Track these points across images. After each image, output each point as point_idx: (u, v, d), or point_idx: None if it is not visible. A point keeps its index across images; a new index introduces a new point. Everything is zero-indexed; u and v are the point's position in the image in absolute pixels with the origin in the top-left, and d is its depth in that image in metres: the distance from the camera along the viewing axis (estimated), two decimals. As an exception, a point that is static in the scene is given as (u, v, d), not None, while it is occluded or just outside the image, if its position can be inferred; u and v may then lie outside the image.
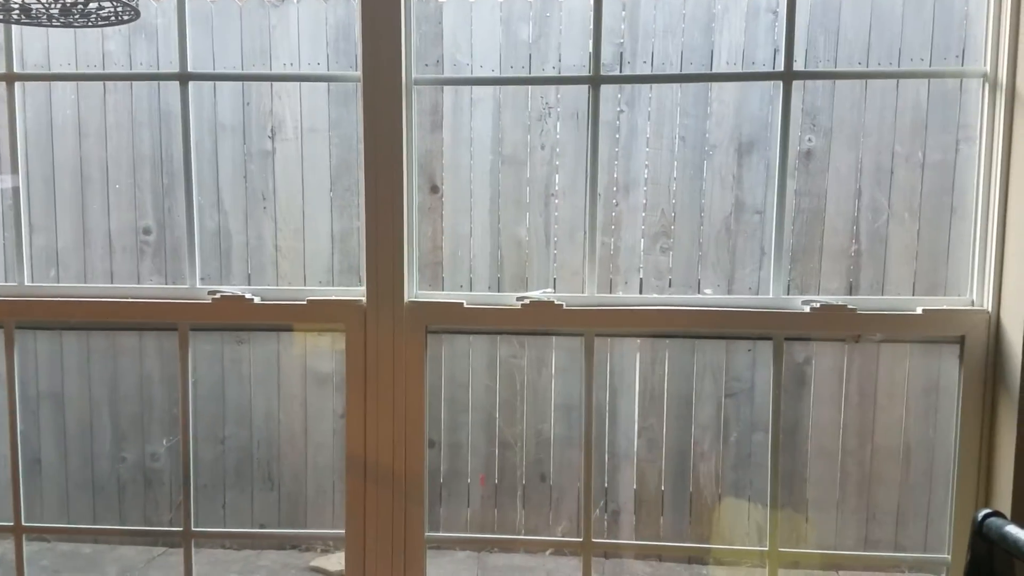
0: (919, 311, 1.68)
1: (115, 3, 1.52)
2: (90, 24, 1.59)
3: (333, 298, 1.78)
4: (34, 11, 1.53)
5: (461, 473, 3.32)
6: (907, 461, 3.14)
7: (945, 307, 1.68)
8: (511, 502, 3.32)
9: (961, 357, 1.67)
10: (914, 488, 3.14)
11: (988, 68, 1.67)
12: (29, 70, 3.11)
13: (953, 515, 1.70)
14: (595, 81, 1.75)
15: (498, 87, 3.14)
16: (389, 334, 1.75)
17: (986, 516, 1.10)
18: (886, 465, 3.15)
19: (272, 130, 3.21)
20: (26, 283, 1.89)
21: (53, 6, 1.52)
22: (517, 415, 3.26)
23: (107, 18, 1.57)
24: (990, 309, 1.66)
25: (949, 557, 1.73)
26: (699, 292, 3.13)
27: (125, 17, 1.57)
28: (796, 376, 3.14)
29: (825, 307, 1.69)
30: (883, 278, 3.06)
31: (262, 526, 3.38)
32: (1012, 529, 1.05)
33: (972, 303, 1.70)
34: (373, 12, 1.68)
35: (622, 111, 3.10)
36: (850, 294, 3.05)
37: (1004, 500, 1.60)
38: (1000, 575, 1.09)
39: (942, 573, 1.79)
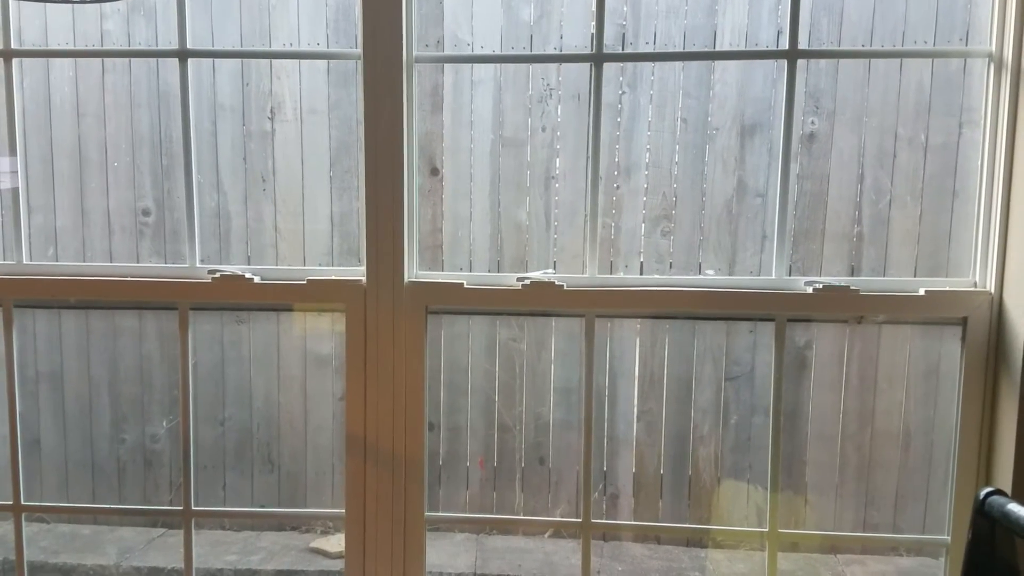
0: (922, 292, 1.67)
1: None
2: (88, -1, 1.57)
3: (333, 278, 1.77)
4: (31, -15, 1.51)
5: (460, 456, 3.33)
6: (907, 443, 3.14)
7: (948, 288, 1.68)
8: (510, 485, 3.33)
9: (963, 338, 1.67)
10: (914, 470, 3.15)
11: (993, 48, 1.65)
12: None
13: (953, 496, 1.70)
14: (597, 59, 1.74)
15: (499, 69, 3.12)
16: (389, 314, 1.74)
17: (988, 494, 1.10)
18: (886, 447, 3.15)
19: (272, 111, 3.19)
20: (24, 261, 1.88)
21: (50, -20, 1.50)
22: (516, 398, 3.26)
23: (105, -7, 1.55)
24: (993, 291, 1.65)
25: (949, 538, 1.73)
26: (700, 275, 3.12)
27: (123, -8, 1.55)
28: (797, 359, 3.14)
29: (828, 288, 1.69)
30: (885, 260, 3.05)
31: (262, 507, 3.39)
32: (1014, 507, 1.05)
33: (975, 285, 1.69)
34: (373, -12, 1.66)
35: (624, 93, 3.08)
36: (852, 276, 3.04)
37: (1005, 481, 1.59)
38: (1001, 553, 1.09)
39: (941, 554, 1.79)
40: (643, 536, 3.37)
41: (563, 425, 3.27)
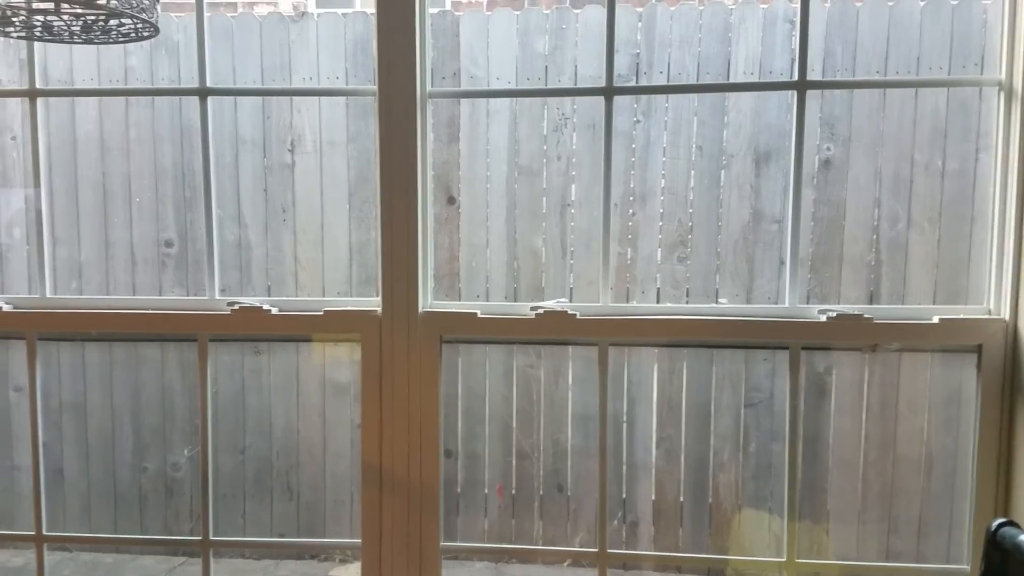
0: (936, 320, 1.67)
1: (135, 20, 1.54)
2: (111, 41, 1.62)
3: (349, 308, 1.80)
4: (56, 28, 1.56)
5: (478, 483, 3.32)
6: (928, 472, 3.10)
7: (962, 316, 1.67)
8: (528, 513, 3.32)
9: (979, 366, 1.66)
10: (935, 499, 3.11)
11: (1004, 76, 1.66)
12: (53, 86, 3.17)
13: (971, 525, 1.69)
14: (609, 92, 1.76)
15: (514, 99, 3.16)
16: (404, 344, 1.76)
17: (1000, 525, 1.09)
18: (907, 475, 3.12)
19: (292, 143, 3.24)
20: (48, 295, 1.92)
21: (74, 23, 1.55)
22: (534, 425, 3.26)
23: (127, 35, 1.60)
24: (1007, 318, 1.65)
25: (968, 568, 1.71)
26: (716, 302, 3.12)
27: (145, 33, 1.60)
28: (816, 386, 3.12)
29: (841, 316, 1.69)
30: (903, 288, 3.04)
31: (281, 535, 3.40)
32: (1027, 539, 1.05)
33: (989, 312, 1.69)
34: (389, 26, 1.70)
35: (638, 121, 3.11)
36: (870, 304, 3.03)
37: (1022, 509, 1.58)
38: (1015, 585, 1.08)
39: (962, 585, 1.77)
40: (663, 566, 3.34)
41: (581, 452, 3.26)
